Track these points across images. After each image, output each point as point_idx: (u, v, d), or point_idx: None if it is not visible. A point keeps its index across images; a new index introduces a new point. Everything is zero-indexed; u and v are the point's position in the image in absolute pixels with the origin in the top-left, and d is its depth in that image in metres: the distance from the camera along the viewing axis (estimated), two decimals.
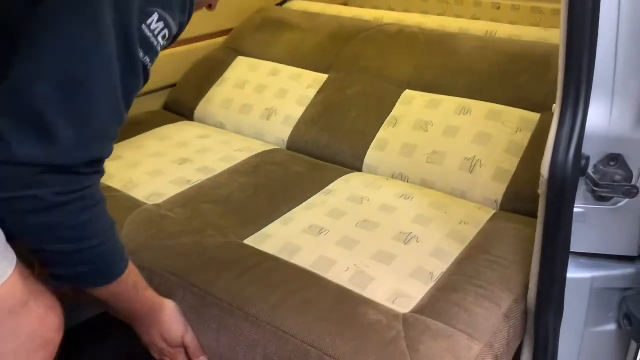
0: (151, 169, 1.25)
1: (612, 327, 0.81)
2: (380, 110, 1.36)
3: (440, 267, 0.95)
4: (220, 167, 1.25)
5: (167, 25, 0.67)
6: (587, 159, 0.71)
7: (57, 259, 0.66)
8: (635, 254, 0.77)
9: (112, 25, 0.61)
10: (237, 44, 1.70)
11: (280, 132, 1.43)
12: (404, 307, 0.86)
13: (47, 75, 0.59)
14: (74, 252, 0.65)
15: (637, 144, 0.70)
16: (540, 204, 0.73)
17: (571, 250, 0.76)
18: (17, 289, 0.64)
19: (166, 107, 1.66)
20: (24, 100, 0.59)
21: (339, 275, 0.92)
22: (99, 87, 0.62)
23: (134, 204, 1.09)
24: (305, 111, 1.44)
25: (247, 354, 0.81)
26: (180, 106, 1.61)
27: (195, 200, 1.11)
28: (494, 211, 1.13)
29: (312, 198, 1.15)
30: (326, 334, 0.78)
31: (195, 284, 0.88)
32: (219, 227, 1.03)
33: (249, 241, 1.01)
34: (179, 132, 1.45)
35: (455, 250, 0.99)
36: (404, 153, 1.27)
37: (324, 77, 1.49)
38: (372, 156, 1.31)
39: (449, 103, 1.31)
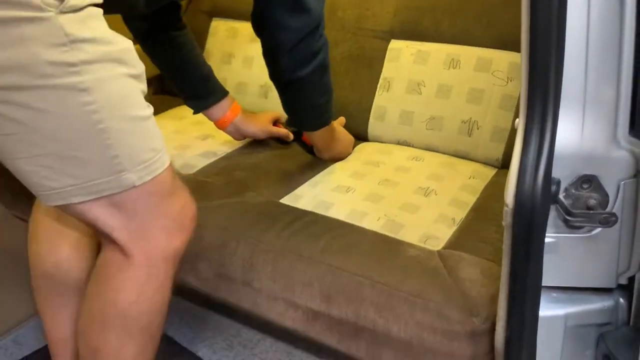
0: (176, 144, 1.32)
1: None
2: (370, 71, 1.37)
3: (459, 213, 1.06)
4: (243, 140, 1.34)
5: None
6: (558, 183, 0.62)
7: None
8: (613, 285, 0.68)
9: None
10: (209, 3, 1.60)
11: (280, 111, 1.34)
12: (435, 246, 0.97)
13: None
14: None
15: (612, 163, 0.61)
16: (506, 237, 0.64)
17: (542, 285, 0.65)
18: (170, 178, 0.79)
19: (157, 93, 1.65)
20: None
21: (372, 224, 1.02)
22: None
23: None
24: None
25: (304, 291, 0.90)
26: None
27: (227, 168, 1.20)
28: (496, 169, 1.25)
29: (332, 165, 1.26)
30: (374, 266, 0.89)
31: (248, 235, 0.97)
32: (256, 188, 1.12)
33: (284, 200, 1.10)
34: (190, 112, 1.51)
35: (469, 200, 1.11)
36: (403, 121, 1.32)
37: None
38: (374, 126, 1.36)
39: (437, 54, 1.31)
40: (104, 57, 0.68)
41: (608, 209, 0.62)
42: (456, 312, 0.80)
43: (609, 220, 0.61)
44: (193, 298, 0.98)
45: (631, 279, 0.66)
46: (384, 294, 0.85)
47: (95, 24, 0.69)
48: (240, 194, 1.10)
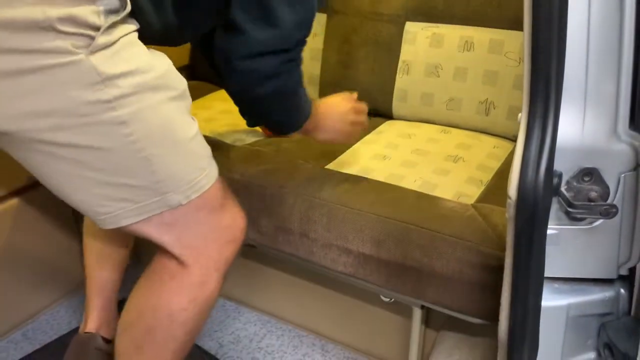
0: (226, 123, 1.46)
1: (591, 355, 0.73)
2: (389, 55, 1.46)
3: (486, 176, 1.20)
4: None
5: None
6: (559, 176, 0.64)
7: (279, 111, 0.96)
8: (614, 276, 0.69)
9: None
10: None
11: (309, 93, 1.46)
12: (467, 201, 1.11)
13: None
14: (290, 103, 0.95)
15: (613, 156, 0.63)
16: (509, 229, 0.67)
17: (545, 276, 0.67)
18: (218, 192, 0.82)
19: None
20: None
21: (410, 184, 1.16)
22: None
23: (228, 145, 1.31)
24: (322, 71, 1.55)
25: (356, 237, 1.04)
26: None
27: (275, 142, 1.34)
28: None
29: (367, 136, 1.40)
30: (418, 215, 1.03)
31: (304, 192, 1.12)
32: (303, 157, 1.26)
33: (329, 167, 1.24)
34: None
35: (494, 165, 1.25)
36: (424, 102, 1.44)
37: (323, 16, 1.55)
38: (398, 107, 1.48)
39: (451, 37, 1.40)
40: (139, 89, 0.69)
41: (609, 201, 0.64)
42: (491, 249, 0.94)
43: (609, 212, 0.63)
44: None
45: (632, 270, 0.68)
46: (428, 237, 0.99)
47: (129, 53, 0.69)
48: (291, 161, 1.23)
